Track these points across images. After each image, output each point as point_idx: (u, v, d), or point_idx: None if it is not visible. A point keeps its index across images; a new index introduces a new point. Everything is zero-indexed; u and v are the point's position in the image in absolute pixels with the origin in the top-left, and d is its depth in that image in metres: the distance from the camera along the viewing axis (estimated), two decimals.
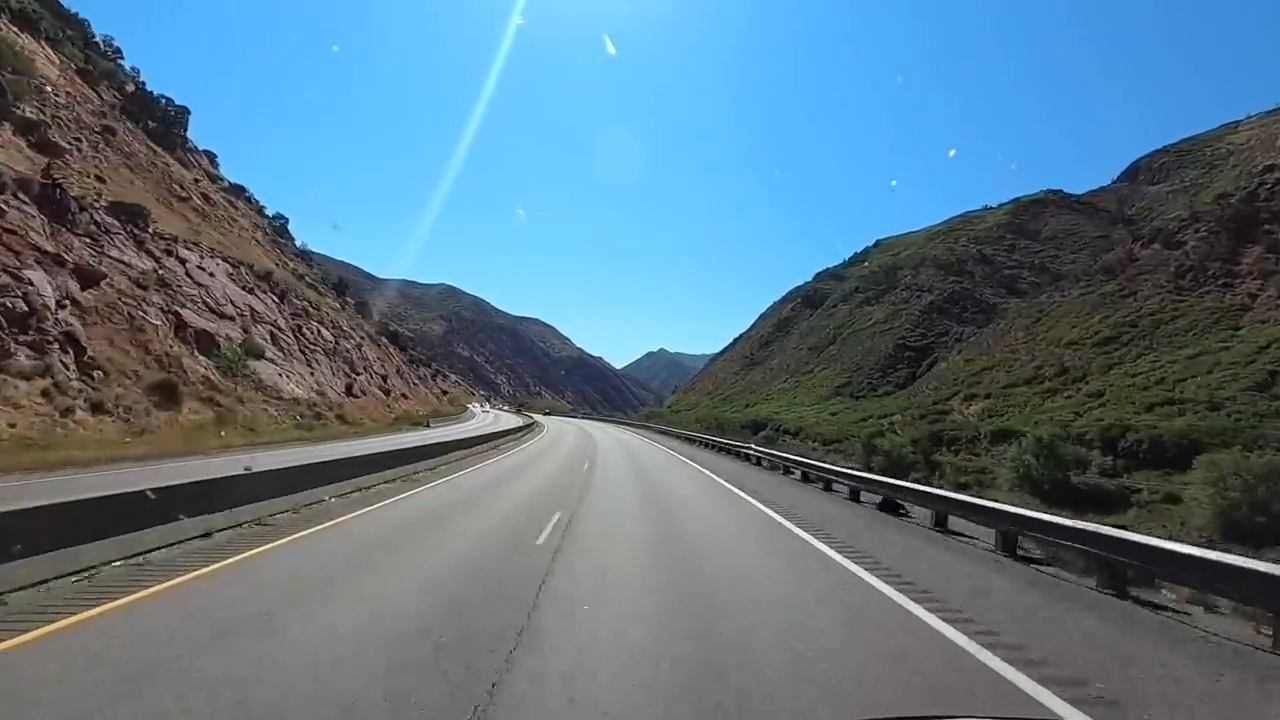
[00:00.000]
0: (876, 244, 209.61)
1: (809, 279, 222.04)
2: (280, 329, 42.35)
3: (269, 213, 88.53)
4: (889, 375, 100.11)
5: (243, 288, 40.97)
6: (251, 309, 39.82)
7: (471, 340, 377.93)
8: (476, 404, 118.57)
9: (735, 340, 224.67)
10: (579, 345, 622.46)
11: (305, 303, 51.97)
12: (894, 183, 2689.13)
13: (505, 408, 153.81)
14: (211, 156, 77.70)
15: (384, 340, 76.34)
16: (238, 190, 77.33)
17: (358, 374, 50.80)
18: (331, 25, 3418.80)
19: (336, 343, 52.08)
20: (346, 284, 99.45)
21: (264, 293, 44.50)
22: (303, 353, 43.63)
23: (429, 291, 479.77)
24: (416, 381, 71.90)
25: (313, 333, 49.09)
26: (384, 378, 57.21)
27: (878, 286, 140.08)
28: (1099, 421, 45.42)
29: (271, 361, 36.85)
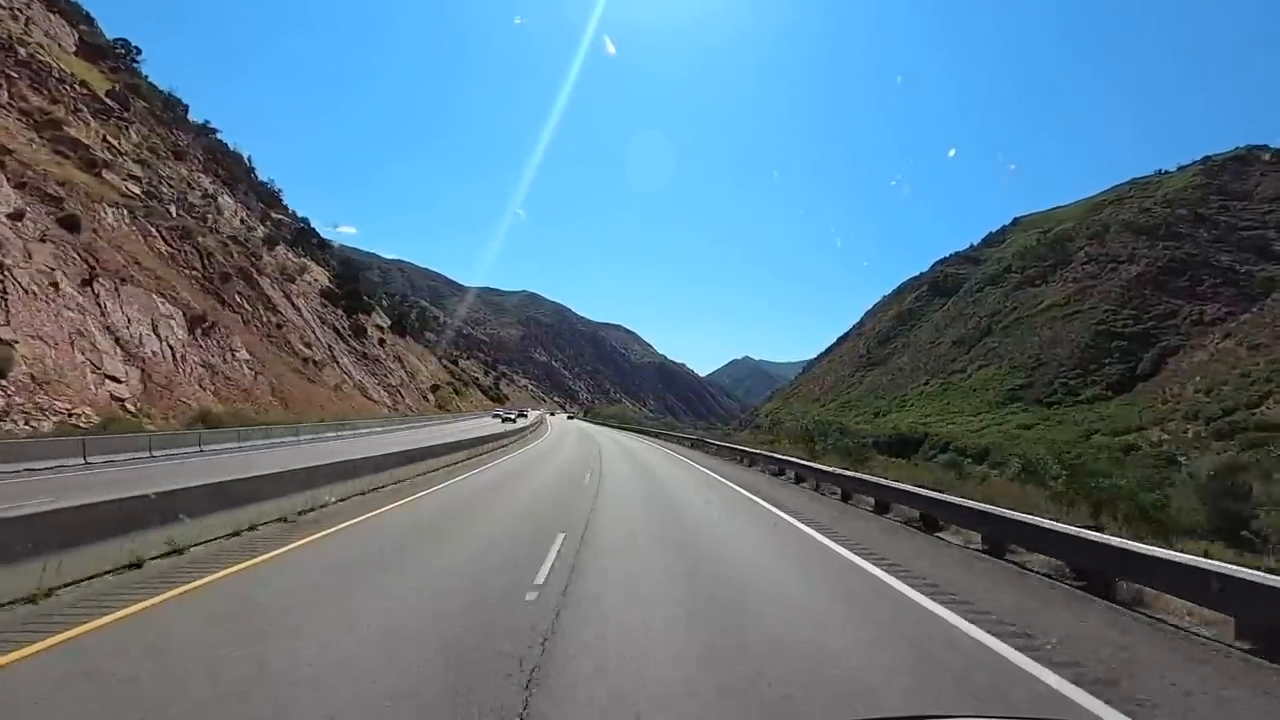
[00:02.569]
0: (1015, 222, 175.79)
1: (926, 269, 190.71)
2: None
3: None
4: (1093, 372, 71.41)
5: None
6: None
7: (550, 345, 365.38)
8: (515, 410, 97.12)
9: (841, 339, 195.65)
10: (661, 352, 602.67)
11: None
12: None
13: (554, 414, 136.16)
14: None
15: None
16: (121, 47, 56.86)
17: None
18: (408, 53, 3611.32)
19: None
20: (314, 236, 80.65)
21: None
22: None
23: (509, 298, 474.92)
24: (308, 367, 43.46)
25: None
26: None
27: (1041, 263, 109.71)
28: None
29: None
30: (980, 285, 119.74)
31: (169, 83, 63.62)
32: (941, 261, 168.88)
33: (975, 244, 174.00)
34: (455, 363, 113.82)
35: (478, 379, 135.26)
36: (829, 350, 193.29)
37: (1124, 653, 4.76)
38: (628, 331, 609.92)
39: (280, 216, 69.71)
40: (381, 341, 57.65)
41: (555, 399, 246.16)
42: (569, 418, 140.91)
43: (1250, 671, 4.44)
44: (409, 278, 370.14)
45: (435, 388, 59.93)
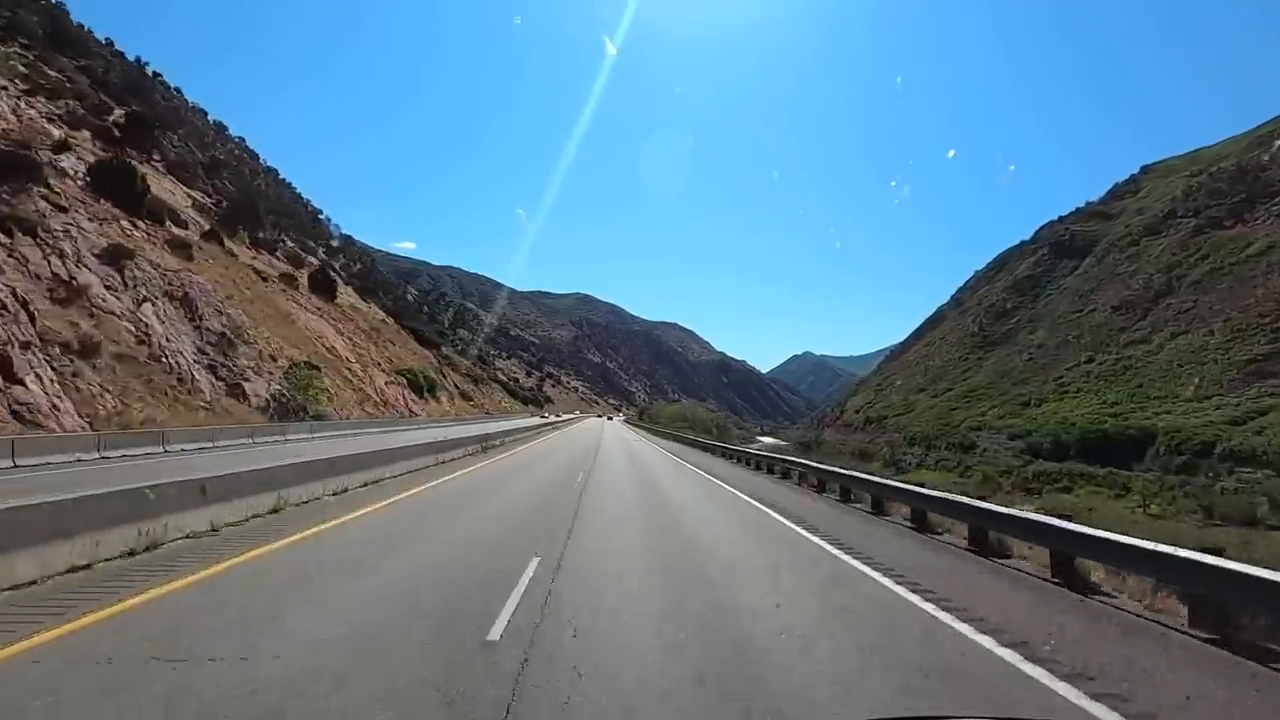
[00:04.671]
0: (1144, 170, 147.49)
1: (1029, 238, 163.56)
2: None
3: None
4: None
5: None
6: None
7: (604, 346, 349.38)
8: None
9: (931, 321, 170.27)
10: (720, 349, 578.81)
11: None
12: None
13: (603, 417, 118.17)
14: None
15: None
16: None
17: None
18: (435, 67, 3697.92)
19: None
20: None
21: None
22: None
23: (562, 300, 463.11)
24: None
25: None
26: None
27: (1222, 201, 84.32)
28: None
29: None
30: (1133, 237, 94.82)
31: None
32: (1059, 221, 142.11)
33: (1098, 198, 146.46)
34: (483, 361, 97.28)
35: (517, 379, 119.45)
36: (919, 334, 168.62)
37: None
38: (684, 330, 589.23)
39: (138, 109, 51.42)
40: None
41: (610, 400, 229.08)
42: (609, 418, 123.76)
43: None
44: (458, 282, 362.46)
45: (303, 366, 37.85)
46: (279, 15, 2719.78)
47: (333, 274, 59.51)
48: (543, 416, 72.84)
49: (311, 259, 60.47)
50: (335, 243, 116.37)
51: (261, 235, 50.04)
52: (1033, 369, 79.70)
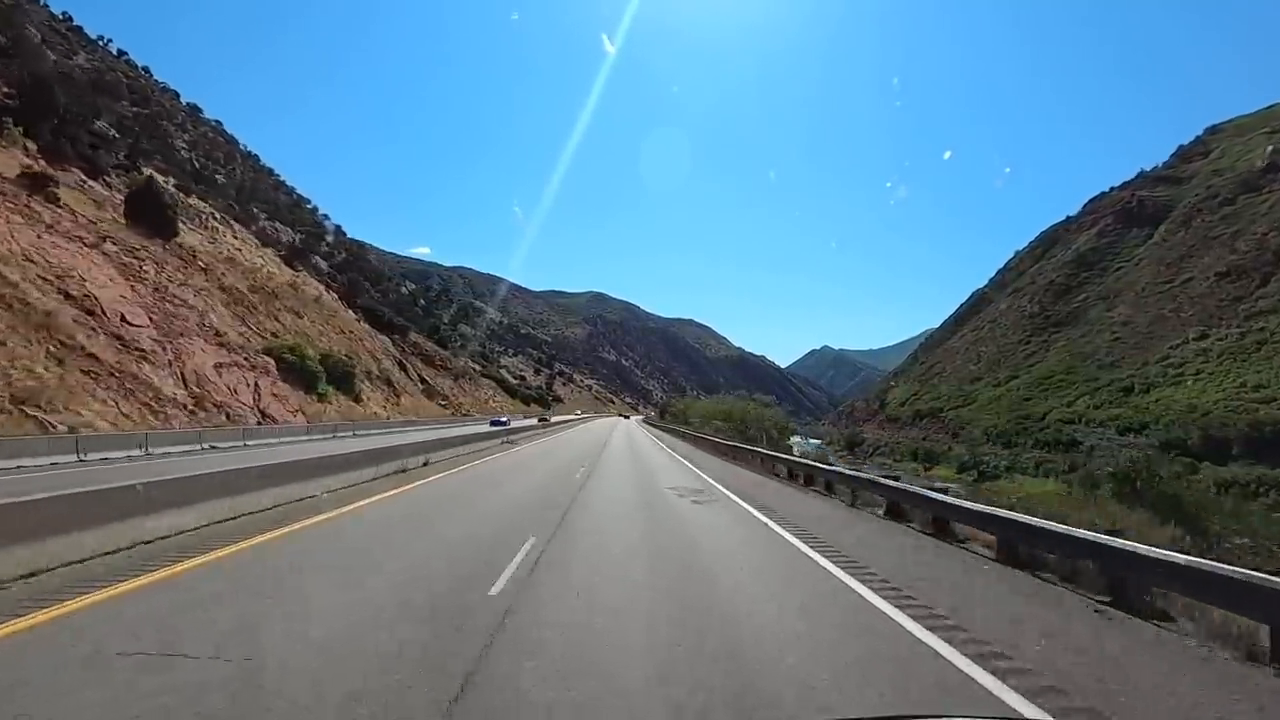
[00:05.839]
0: (1211, 130, 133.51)
1: (1075, 212, 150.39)
2: None
3: None
4: None
5: None
6: None
7: (619, 344, 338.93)
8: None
9: (970, 305, 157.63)
10: (738, 345, 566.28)
11: None
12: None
13: (626, 418, 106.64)
14: None
15: None
16: None
17: None
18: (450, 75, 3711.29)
19: None
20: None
21: None
22: None
23: (575, 299, 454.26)
24: None
25: None
26: None
27: None
28: None
29: None
30: (1225, 197, 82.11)
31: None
32: (1120, 189, 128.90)
33: (1162, 163, 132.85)
34: (486, 357, 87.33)
35: (524, 377, 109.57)
36: (958, 319, 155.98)
37: None
38: (701, 326, 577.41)
39: None
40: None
41: (626, 399, 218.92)
42: (624, 417, 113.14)
43: None
44: (469, 283, 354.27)
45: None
46: (300, 39, 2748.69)
47: (169, 201, 42.04)
48: (499, 422, 48.13)
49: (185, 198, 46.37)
50: (330, 238, 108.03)
51: (65, 143, 37.21)
52: (1122, 349, 67.73)
